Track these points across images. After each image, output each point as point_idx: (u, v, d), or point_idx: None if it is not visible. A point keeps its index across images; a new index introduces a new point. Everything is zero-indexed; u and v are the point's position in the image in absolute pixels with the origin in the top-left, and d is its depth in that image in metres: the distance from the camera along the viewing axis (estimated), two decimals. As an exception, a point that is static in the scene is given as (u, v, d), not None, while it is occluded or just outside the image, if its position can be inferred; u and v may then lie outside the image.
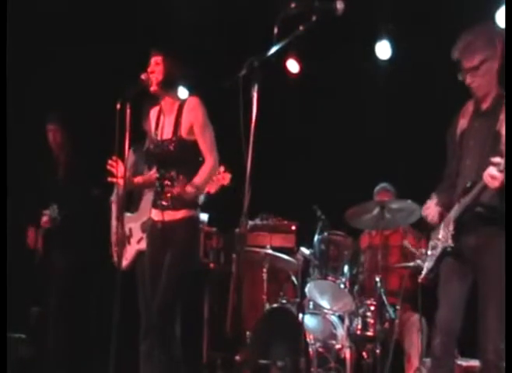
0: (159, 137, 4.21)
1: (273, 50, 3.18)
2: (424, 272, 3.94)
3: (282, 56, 6.38)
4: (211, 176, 4.08)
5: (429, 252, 3.94)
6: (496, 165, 3.47)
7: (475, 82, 3.79)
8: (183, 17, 6.41)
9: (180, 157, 4.12)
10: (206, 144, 4.13)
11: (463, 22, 3.92)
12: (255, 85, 3.15)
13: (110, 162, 4.13)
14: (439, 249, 3.84)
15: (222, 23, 6.49)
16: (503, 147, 3.62)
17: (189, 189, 3.96)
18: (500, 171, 3.46)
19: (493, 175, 3.50)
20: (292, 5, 3.20)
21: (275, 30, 3.17)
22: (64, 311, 5.46)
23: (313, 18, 3.16)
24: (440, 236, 3.84)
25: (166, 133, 4.18)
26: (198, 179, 4.03)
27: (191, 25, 6.42)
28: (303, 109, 6.82)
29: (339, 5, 3.17)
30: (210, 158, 4.11)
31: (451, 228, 3.76)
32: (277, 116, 6.17)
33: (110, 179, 4.16)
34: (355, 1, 3.46)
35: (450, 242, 3.75)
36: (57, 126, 5.62)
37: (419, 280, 4.01)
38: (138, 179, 4.42)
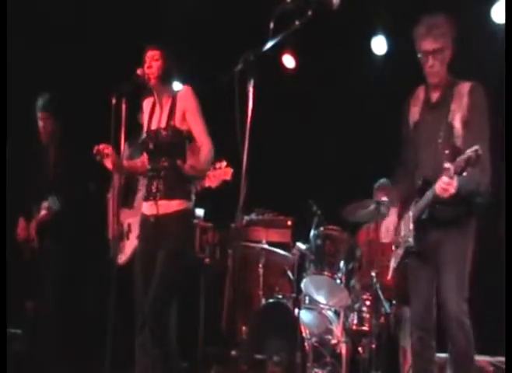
0: (152, 127, 4.21)
1: (269, 44, 3.19)
2: (390, 271, 3.97)
3: (277, 51, 6.38)
4: (210, 159, 4.06)
5: (393, 250, 3.97)
6: (445, 171, 3.45)
7: (435, 66, 3.77)
8: (178, 12, 6.40)
9: (173, 144, 4.10)
10: (199, 129, 4.12)
11: (459, 17, 3.92)
12: (251, 79, 3.16)
13: (100, 146, 4.07)
14: (402, 248, 3.85)
15: (218, 18, 6.48)
16: (456, 139, 3.63)
17: (188, 168, 3.96)
18: (451, 177, 3.44)
19: (445, 185, 3.46)
20: (288, 0, 3.20)
21: (271, 25, 3.17)
22: (59, 305, 5.43)
23: (309, 13, 3.17)
24: (402, 234, 3.86)
25: (160, 122, 4.18)
26: (197, 163, 4.02)
27: (186, 19, 6.42)
28: (298, 104, 6.82)
29: (335, 0, 3.17)
30: (206, 142, 4.10)
31: (411, 227, 3.74)
32: (273, 111, 6.16)
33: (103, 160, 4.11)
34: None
35: (411, 242, 3.75)
36: (48, 114, 5.38)
37: (388, 278, 4.05)
38: (129, 164, 4.40)
